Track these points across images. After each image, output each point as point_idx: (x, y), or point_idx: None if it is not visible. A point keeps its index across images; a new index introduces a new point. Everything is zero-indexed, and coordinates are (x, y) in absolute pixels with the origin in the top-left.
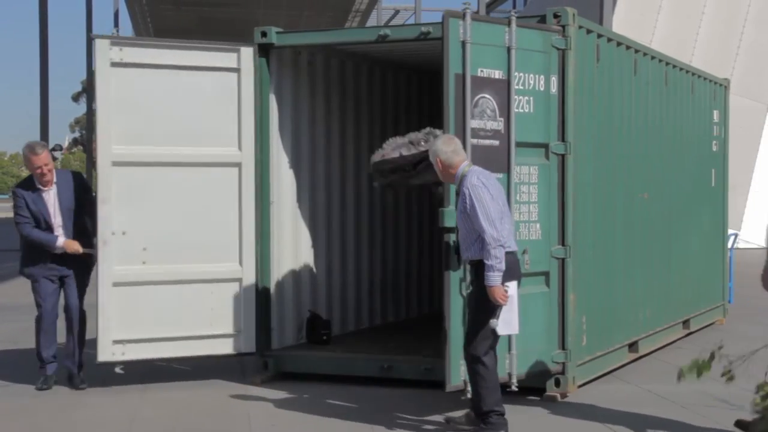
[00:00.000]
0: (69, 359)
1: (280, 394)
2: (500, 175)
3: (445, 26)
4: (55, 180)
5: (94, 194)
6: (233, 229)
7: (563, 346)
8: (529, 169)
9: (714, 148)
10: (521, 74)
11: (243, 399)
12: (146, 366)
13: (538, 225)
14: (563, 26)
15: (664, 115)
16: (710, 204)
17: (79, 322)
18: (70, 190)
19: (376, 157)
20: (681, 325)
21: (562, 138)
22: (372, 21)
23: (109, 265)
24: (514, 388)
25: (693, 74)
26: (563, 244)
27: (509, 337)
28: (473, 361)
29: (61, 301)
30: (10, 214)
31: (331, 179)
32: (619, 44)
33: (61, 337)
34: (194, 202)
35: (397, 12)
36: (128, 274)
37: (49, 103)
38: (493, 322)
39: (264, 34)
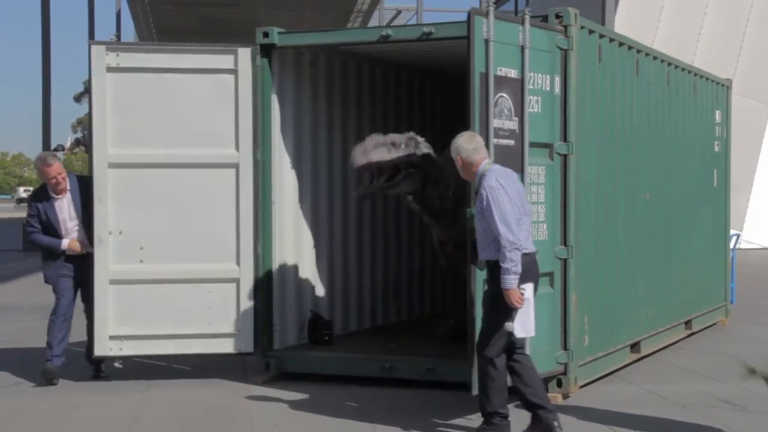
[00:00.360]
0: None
1: (282, 394)
2: (515, 176)
3: (471, 24)
4: (68, 188)
5: None
6: (231, 229)
7: (565, 347)
8: (538, 169)
9: (716, 149)
10: (532, 74)
11: (245, 399)
12: (148, 366)
13: (545, 225)
14: (565, 26)
15: (666, 116)
16: (712, 204)
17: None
18: (78, 194)
19: (358, 157)
20: (683, 325)
21: (564, 138)
22: (374, 21)
23: (105, 264)
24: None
25: (695, 74)
26: (565, 245)
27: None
28: (484, 362)
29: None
30: (12, 215)
31: (333, 179)
32: (621, 44)
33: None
34: (192, 202)
35: (399, 12)
36: (125, 272)
37: (52, 104)
38: (508, 324)
39: (266, 35)
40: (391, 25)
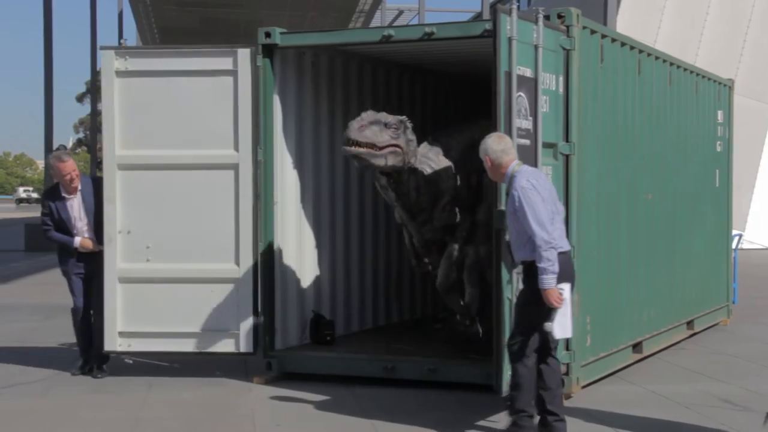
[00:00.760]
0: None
1: (285, 394)
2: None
3: (497, 23)
4: (80, 187)
5: None
6: (232, 229)
7: (567, 347)
8: (546, 169)
9: (718, 149)
10: (543, 73)
11: (247, 399)
12: (150, 366)
13: None
14: (567, 26)
15: (668, 116)
16: (714, 204)
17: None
18: (91, 195)
19: (354, 131)
20: (685, 325)
21: (567, 138)
22: (376, 21)
23: (114, 262)
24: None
25: (697, 75)
26: None
27: (500, 346)
28: (515, 360)
29: None
30: (14, 215)
31: (335, 179)
32: (623, 45)
33: None
34: (194, 203)
35: (401, 12)
36: (133, 271)
37: (54, 104)
38: (548, 325)
39: (268, 35)
40: (393, 25)
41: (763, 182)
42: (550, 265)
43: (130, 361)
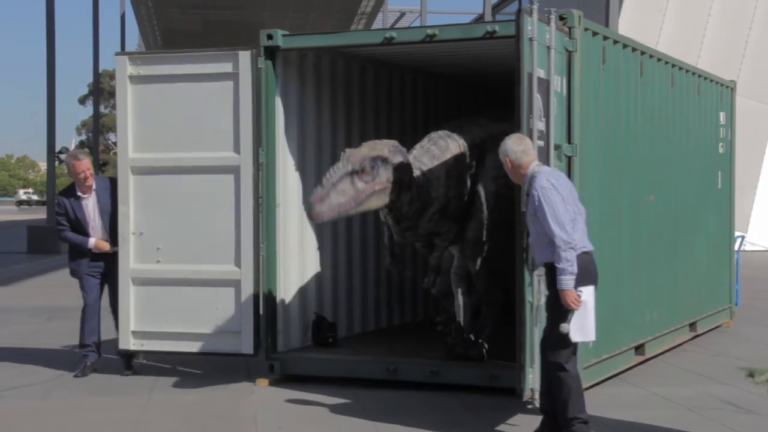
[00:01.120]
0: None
1: (287, 396)
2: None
3: (520, 24)
4: (94, 187)
5: None
6: (234, 231)
7: None
8: None
9: (720, 150)
10: (555, 75)
11: (249, 401)
12: (152, 367)
13: None
14: (569, 28)
15: (671, 117)
16: (717, 206)
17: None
18: (108, 195)
19: (316, 206)
20: (688, 327)
21: (569, 140)
22: (378, 23)
23: (128, 262)
24: (536, 404)
25: (699, 76)
26: None
27: (530, 350)
28: (555, 368)
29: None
30: (17, 217)
31: None
32: (625, 46)
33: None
34: (199, 205)
35: (402, 14)
36: (144, 271)
37: (56, 106)
38: (564, 326)
39: (270, 37)
40: (395, 27)
41: (765, 184)
42: (568, 265)
43: (144, 361)
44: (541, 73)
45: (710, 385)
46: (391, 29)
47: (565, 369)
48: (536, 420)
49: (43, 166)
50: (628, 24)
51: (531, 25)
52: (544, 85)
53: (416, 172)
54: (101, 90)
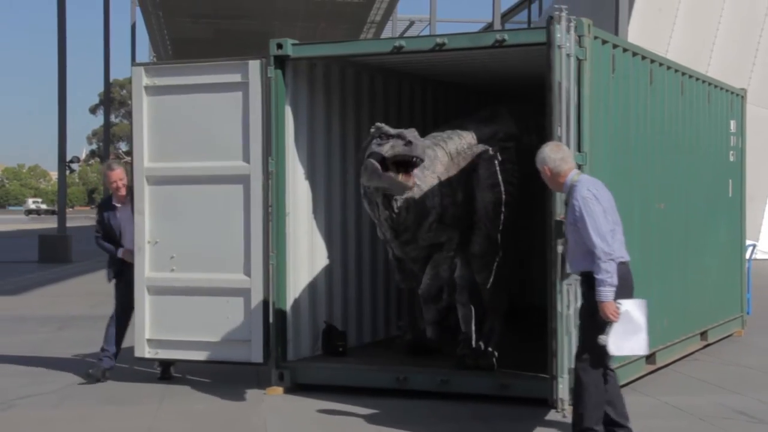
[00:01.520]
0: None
1: (297, 405)
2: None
3: (551, 33)
4: (128, 196)
5: None
6: (244, 240)
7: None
8: None
9: (731, 158)
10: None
11: (259, 410)
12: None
13: None
14: (579, 36)
15: (681, 126)
16: (728, 214)
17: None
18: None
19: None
20: (699, 336)
21: (579, 148)
22: (387, 32)
23: (143, 271)
24: (565, 414)
25: (709, 84)
26: None
27: (561, 360)
28: (583, 376)
29: None
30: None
31: (346, 190)
32: (634, 54)
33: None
34: (209, 214)
35: (412, 23)
36: (159, 280)
37: (67, 116)
38: (602, 338)
39: (280, 46)
40: (404, 36)
41: None
42: (608, 276)
43: (159, 368)
44: (562, 81)
45: (722, 394)
46: (401, 38)
47: (592, 379)
48: (547, 430)
49: (54, 175)
50: (637, 32)
51: (560, 33)
52: (566, 93)
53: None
54: (112, 99)
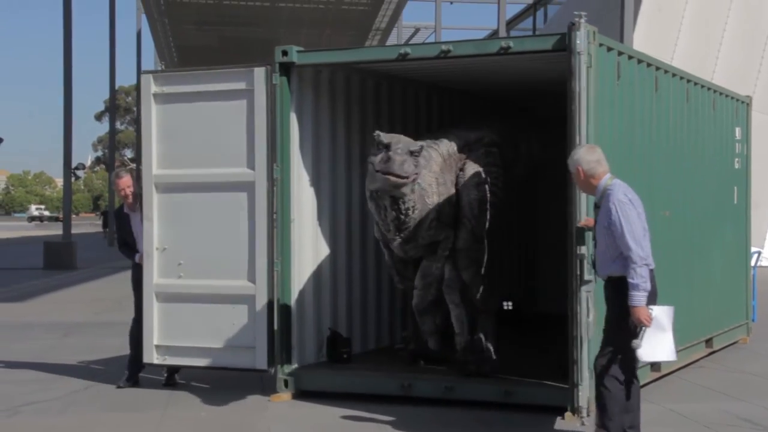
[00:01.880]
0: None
1: (301, 412)
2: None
3: (572, 39)
4: (139, 202)
5: None
6: (249, 247)
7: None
8: None
9: (736, 166)
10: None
11: (264, 417)
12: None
13: None
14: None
15: (686, 133)
16: (733, 222)
17: None
18: None
19: (397, 166)
20: (704, 343)
21: None
22: (392, 39)
23: (152, 277)
24: (584, 422)
25: (714, 91)
26: None
27: (580, 367)
28: (610, 382)
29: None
30: (34, 233)
31: (351, 196)
32: (639, 62)
33: None
34: (215, 221)
35: (417, 30)
36: (166, 286)
37: (73, 122)
38: (635, 342)
39: (285, 53)
40: (410, 42)
41: None
42: (642, 281)
43: (166, 374)
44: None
45: (727, 401)
46: (406, 45)
47: (617, 385)
48: None
49: (59, 182)
50: (642, 38)
51: (580, 39)
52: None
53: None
54: (117, 106)
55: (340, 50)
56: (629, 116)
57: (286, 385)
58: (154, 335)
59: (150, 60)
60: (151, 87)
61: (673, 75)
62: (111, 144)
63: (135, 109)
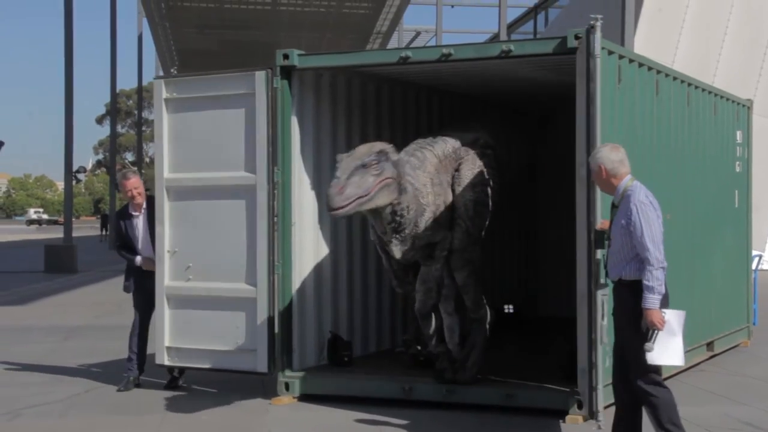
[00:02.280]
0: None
1: (302, 416)
2: None
3: (590, 42)
4: (144, 205)
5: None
6: (251, 250)
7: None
8: None
9: (737, 169)
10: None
11: (264, 420)
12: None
13: None
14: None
15: (687, 136)
16: (734, 225)
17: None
18: (153, 214)
19: (336, 198)
20: (705, 347)
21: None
22: (393, 43)
23: (163, 280)
24: (601, 426)
25: (715, 95)
26: None
27: (595, 371)
28: (646, 385)
29: None
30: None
31: None
32: (640, 65)
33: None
34: (217, 224)
35: (418, 34)
36: (176, 288)
37: (74, 126)
38: (648, 345)
39: (286, 57)
40: (410, 46)
41: None
42: (658, 284)
43: (177, 375)
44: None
45: (728, 405)
46: (407, 48)
47: (658, 383)
48: None
49: (60, 185)
50: (643, 42)
51: (593, 42)
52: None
53: (407, 186)
54: (118, 110)
55: (341, 54)
56: (630, 120)
57: (287, 389)
58: (165, 337)
59: (151, 64)
60: (162, 92)
61: (674, 78)
62: (112, 147)
63: (136, 112)
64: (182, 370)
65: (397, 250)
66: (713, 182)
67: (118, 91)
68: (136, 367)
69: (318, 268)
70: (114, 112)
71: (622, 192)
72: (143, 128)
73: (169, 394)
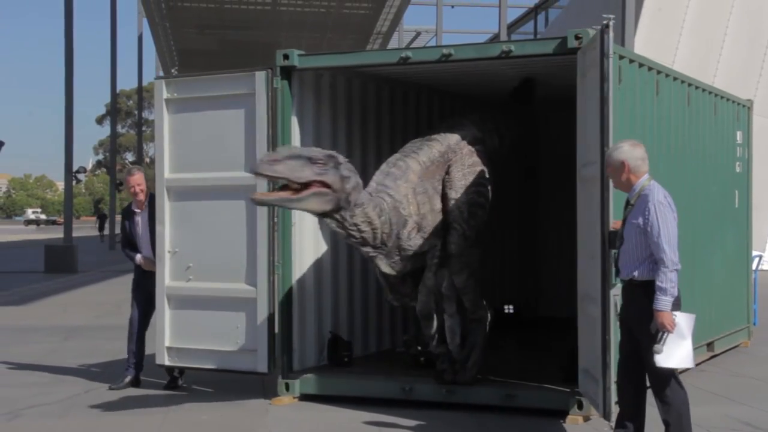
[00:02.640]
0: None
1: (302, 416)
2: None
3: (604, 42)
4: (146, 203)
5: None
6: (251, 250)
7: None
8: None
9: (737, 169)
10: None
11: (265, 420)
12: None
13: None
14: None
15: (687, 137)
16: (734, 225)
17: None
18: (154, 212)
19: (264, 165)
20: (705, 347)
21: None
22: (393, 43)
23: (164, 280)
24: (612, 426)
25: (716, 95)
26: None
27: (607, 370)
28: (666, 384)
29: None
30: (35, 236)
31: None
32: (641, 65)
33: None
34: (217, 224)
35: (418, 34)
36: (177, 289)
37: (74, 126)
38: (656, 347)
39: (286, 57)
40: (411, 46)
41: None
42: (671, 286)
43: (178, 375)
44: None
45: (728, 405)
46: (407, 49)
47: (678, 382)
48: None
49: (60, 185)
50: (643, 42)
51: (606, 41)
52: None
53: (384, 198)
54: (118, 110)
55: (342, 54)
56: (630, 120)
57: (287, 389)
58: (165, 337)
59: (151, 64)
60: (163, 92)
61: (674, 79)
62: (112, 147)
63: (136, 112)
64: (182, 370)
65: (383, 264)
66: (713, 182)
67: (118, 91)
68: (134, 367)
69: (318, 269)
70: (114, 112)
71: (638, 191)
72: (143, 128)
73: (169, 394)
